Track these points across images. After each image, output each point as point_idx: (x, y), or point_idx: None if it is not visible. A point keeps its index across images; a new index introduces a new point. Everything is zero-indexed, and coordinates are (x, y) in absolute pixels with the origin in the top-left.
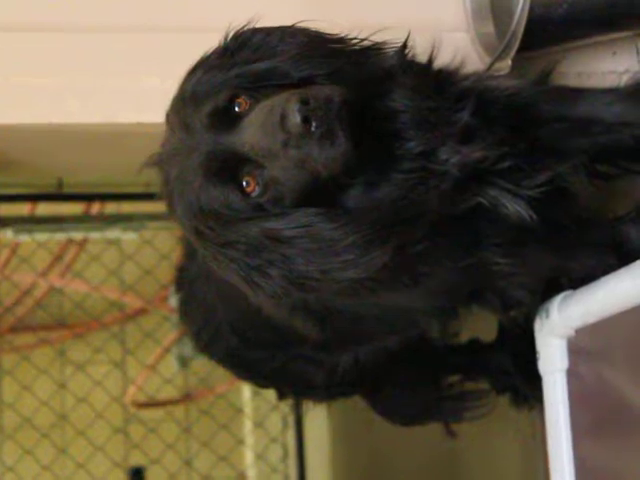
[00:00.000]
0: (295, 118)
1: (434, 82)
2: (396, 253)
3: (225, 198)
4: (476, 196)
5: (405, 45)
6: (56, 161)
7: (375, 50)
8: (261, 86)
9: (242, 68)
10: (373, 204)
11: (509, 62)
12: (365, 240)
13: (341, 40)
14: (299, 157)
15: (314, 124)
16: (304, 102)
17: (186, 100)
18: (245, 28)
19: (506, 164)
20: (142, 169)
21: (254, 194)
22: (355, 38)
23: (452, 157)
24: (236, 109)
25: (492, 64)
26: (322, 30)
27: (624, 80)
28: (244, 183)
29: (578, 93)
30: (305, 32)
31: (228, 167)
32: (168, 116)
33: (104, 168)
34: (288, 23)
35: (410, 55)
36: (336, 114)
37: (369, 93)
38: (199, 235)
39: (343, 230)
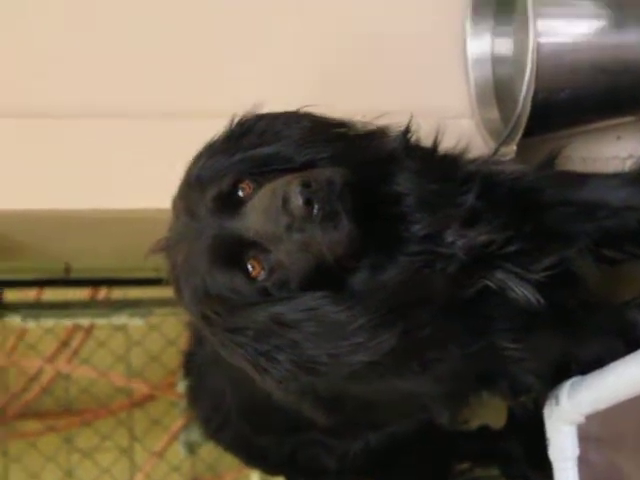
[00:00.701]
0: (297, 201)
1: (438, 166)
2: (404, 337)
3: (231, 283)
4: (483, 279)
5: (408, 128)
6: (63, 246)
7: (378, 133)
8: (265, 171)
9: (245, 153)
10: (379, 287)
11: (514, 147)
12: (372, 323)
13: (344, 124)
14: (303, 240)
15: (316, 206)
16: (306, 185)
17: (191, 185)
18: (250, 114)
19: (512, 248)
20: (149, 255)
21: (260, 278)
22: (358, 122)
23: (458, 240)
24: (240, 194)
25: (497, 149)
26: (326, 115)
27: (628, 165)
28: (249, 267)
29: (583, 178)
30: (309, 117)
31: (233, 252)
32: (174, 202)
33: (111, 253)
34: (293, 108)
35: (413, 139)
36: (338, 196)
37: (372, 176)
38: (206, 320)
39: (350, 313)
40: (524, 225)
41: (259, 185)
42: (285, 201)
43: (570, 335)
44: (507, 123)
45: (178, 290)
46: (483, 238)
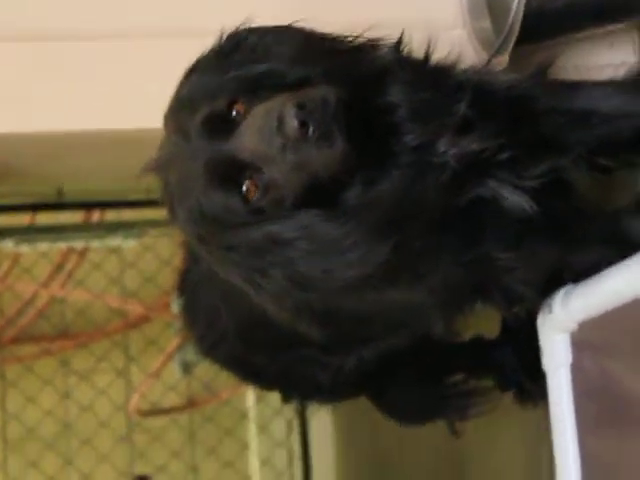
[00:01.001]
0: (292, 122)
1: (431, 75)
2: (397, 250)
3: (226, 203)
4: (476, 188)
5: (400, 41)
6: (56, 169)
7: (371, 47)
8: (257, 89)
9: (238, 71)
10: (373, 201)
11: (507, 57)
12: (365, 238)
13: (336, 38)
14: (297, 160)
15: (311, 127)
16: (300, 106)
17: (182, 104)
18: (239, 29)
19: (505, 155)
20: (140, 175)
21: (254, 198)
22: (350, 36)
23: (450, 149)
24: (233, 114)
25: (490, 59)
26: (318, 30)
27: (622, 72)
28: (244, 188)
29: (576, 86)
30: (300, 32)
31: (228, 173)
32: (165, 120)
33: (105, 175)
34: (282, 22)
35: (406, 51)
36: (332, 115)
37: (365, 90)
38: (201, 240)
39: (343, 229)
40: (517, 133)
41: (252, 105)
42: (280, 122)
43: (563, 243)
44: (499, 33)
45: (171, 210)
46: (475, 146)
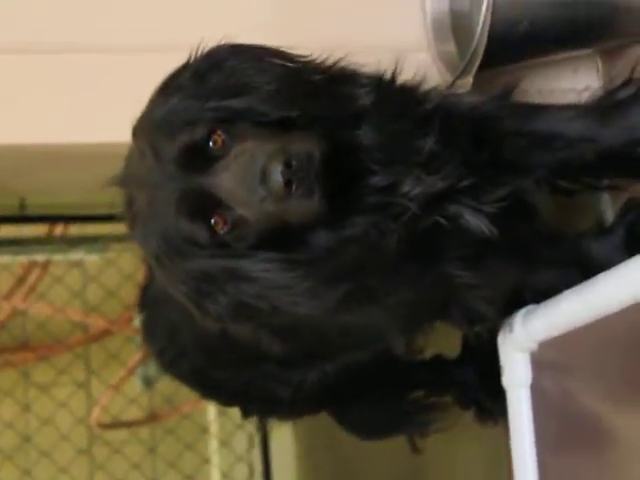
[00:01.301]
0: (278, 180)
1: (399, 102)
2: (351, 293)
3: (193, 234)
4: (436, 215)
5: (381, 81)
6: (18, 181)
7: (348, 78)
8: (237, 121)
9: (218, 102)
10: (334, 246)
11: (470, 80)
12: (318, 286)
13: (314, 67)
14: (275, 211)
15: (294, 186)
16: (287, 164)
17: (158, 126)
18: (217, 48)
19: (466, 183)
20: (104, 187)
21: (222, 232)
22: (327, 63)
23: (414, 189)
24: (211, 145)
25: (454, 82)
26: (296, 54)
27: (585, 97)
28: (212, 221)
29: (539, 109)
30: (280, 58)
31: (200, 207)
32: (136, 135)
33: (68, 188)
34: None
35: (384, 90)
36: (315, 172)
37: (340, 131)
38: (158, 261)
39: (299, 277)
40: (479, 156)
41: (231, 138)
42: (264, 175)
43: (524, 264)
44: (463, 56)
45: (132, 227)
46: (440, 184)
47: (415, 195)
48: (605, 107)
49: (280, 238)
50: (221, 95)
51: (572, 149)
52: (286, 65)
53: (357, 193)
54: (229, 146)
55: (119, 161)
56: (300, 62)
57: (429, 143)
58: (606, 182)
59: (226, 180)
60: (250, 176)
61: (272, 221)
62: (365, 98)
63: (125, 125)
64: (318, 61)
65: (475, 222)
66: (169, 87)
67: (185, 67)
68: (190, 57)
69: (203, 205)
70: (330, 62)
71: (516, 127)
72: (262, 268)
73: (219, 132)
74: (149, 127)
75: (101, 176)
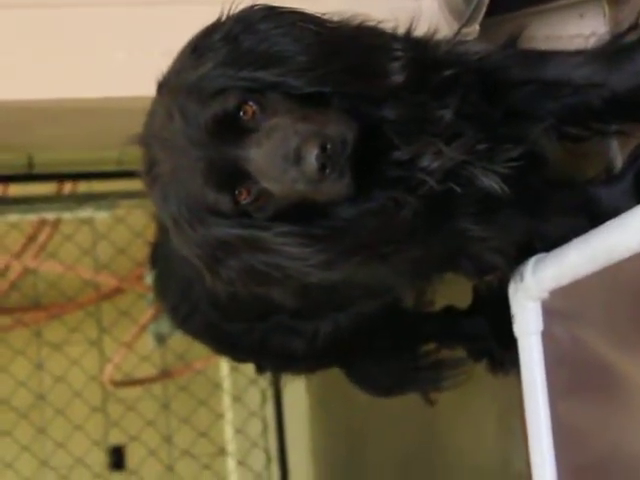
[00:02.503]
0: (313, 164)
1: (419, 70)
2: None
3: (215, 202)
4: (450, 180)
5: (414, 59)
6: (26, 138)
7: (383, 52)
8: (270, 92)
9: (251, 72)
10: (353, 219)
11: (477, 27)
12: (334, 260)
13: (342, 31)
14: (305, 192)
15: (328, 170)
16: (322, 148)
17: (189, 90)
18: (248, 8)
19: (482, 147)
20: (123, 145)
21: (244, 202)
22: (360, 28)
23: (433, 163)
24: (242, 116)
25: (460, 29)
26: (329, 20)
27: (591, 43)
28: (237, 192)
29: (547, 56)
30: (314, 25)
31: (228, 179)
32: (162, 92)
33: (75, 144)
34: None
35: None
36: (348, 156)
37: (372, 107)
38: (176, 226)
39: (315, 250)
40: (492, 112)
41: (262, 109)
42: (298, 157)
43: (534, 213)
44: (469, 3)
45: (153, 188)
46: (458, 156)
47: (434, 169)
48: (612, 52)
49: (301, 211)
50: (254, 64)
51: (580, 95)
52: (319, 32)
53: (380, 168)
54: (260, 118)
55: (124, 115)
56: (332, 27)
57: (448, 113)
58: (614, 128)
59: (258, 156)
60: (283, 156)
61: (299, 198)
62: (398, 75)
63: (129, 79)
64: (347, 24)
65: (488, 183)
66: (200, 48)
67: (216, 27)
68: (221, 16)
69: (231, 177)
70: (357, 23)
71: (524, 75)
72: (281, 241)
73: (250, 103)
74: (179, 89)
75: (108, 130)
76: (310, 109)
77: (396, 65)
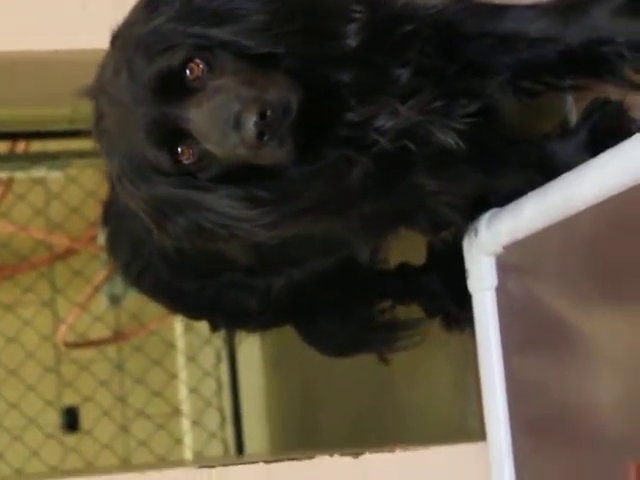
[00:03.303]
0: (251, 131)
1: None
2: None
3: (156, 160)
4: (404, 139)
5: (372, 20)
6: None
7: (341, 17)
8: (218, 51)
9: (202, 29)
10: (303, 180)
11: None
12: (282, 221)
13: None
14: (245, 156)
15: (266, 137)
16: (262, 115)
17: (138, 45)
18: None
19: (438, 104)
20: (73, 98)
21: (186, 162)
22: None
23: (387, 122)
24: (188, 74)
25: None
26: None
27: None
28: (179, 150)
29: (502, 9)
30: None
31: (168, 137)
32: (113, 45)
33: (27, 100)
34: None
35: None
36: (290, 122)
37: (325, 69)
38: (120, 182)
39: (261, 213)
40: (448, 67)
41: (210, 68)
42: (237, 124)
43: (489, 168)
44: None
45: (100, 143)
46: (415, 118)
47: (387, 129)
48: (568, 6)
49: (247, 172)
50: (206, 20)
51: (535, 49)
52: None
53: (331, 129)
54: (207, 78)
55: (75, 69)
56: None
57: (406, 72)
58: (569, 82)
59: (198, 117)
60: (223, 119)
61: (241, 162)
62: (353, 38)
63: (82, 31)
64: None
65: (444, 138)
66: (154, 2)
67: None
68: None
69: (171, 135)
70: None
71: (480, 28)
72: (225, 203)
73: (197, 60)
74: (128, 42)
75: (59, 85)
76: (258, 71)
77: (352, 27)
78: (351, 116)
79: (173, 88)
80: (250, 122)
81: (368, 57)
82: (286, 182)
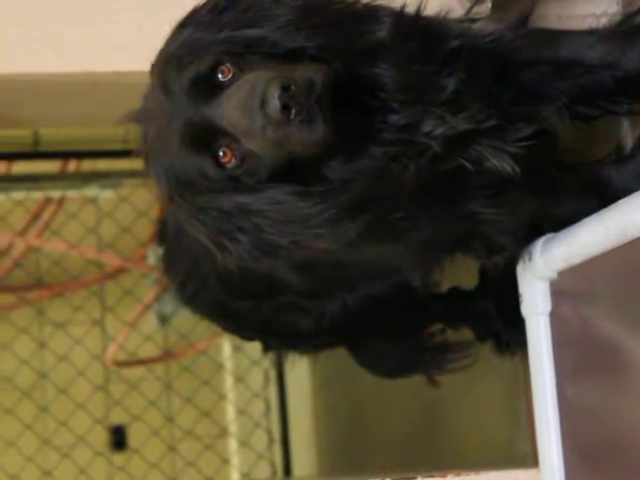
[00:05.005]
0: (274, 104)
1: (422, 40)
2: (373, 220)
3: (200, 167)
4: (459, 158)
5: (400, 15)
6: (32, 112)
7: (370, 16)
8: (247, 54)
9: (229, 33)
10: (350, 176)
11: (489, 5)
12: (338, 215)
13: (335, 3)
14: (277, 139)
15: (293, 111)
16: (285, 88)
17: (169, 59)
18: None
19: (491, 123)
20: (121, 123)
21: (230, 165)
22: (348, 1)
23: (436, 129)
24: (219, 76)
25: (472, 8)
26: None
27: (603, 22)
28: (220, 153)
29: (558, 35)
30: None
31: (205, 137)
32: (152, 72)
33: (82, 119)
34: None
35: (403, 24)
36: (317, 99)
37: (358, 64)
38: (171, 199)
39: (316, 208)
40: (503, 92)
41: (240, 69)
42: (263, 103)
43: (544, 194)
44: None
45: (147, 164)
46: (464, 126)
47: (437, 135)
48: (624, 32)
49: (292, 172)
50: (234, 26)
51: (592, 75)
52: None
53: (374, 128)
54: (237, 77)
55: (132, 90)
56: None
57: (453, 82)
58: (626, 107)
59: (228, 109)
60: (250, 103)
61: (279, 153)
62: (381, 32)
63: (139, 53)
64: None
65: (499, 163)
66: (185, 23)
67: (205, 4)
68: None
69: (208, 135)
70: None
71: (536, 56)
72: (278, 199)
73: (227, 64)
74: (161, 62)
75: (115, 106)
76: (287, 63)
77: (380, 26)
78: (395, 118)
79: (205, 89)
80: (274, 96)
81: (407, 60)
82: (332, 174)
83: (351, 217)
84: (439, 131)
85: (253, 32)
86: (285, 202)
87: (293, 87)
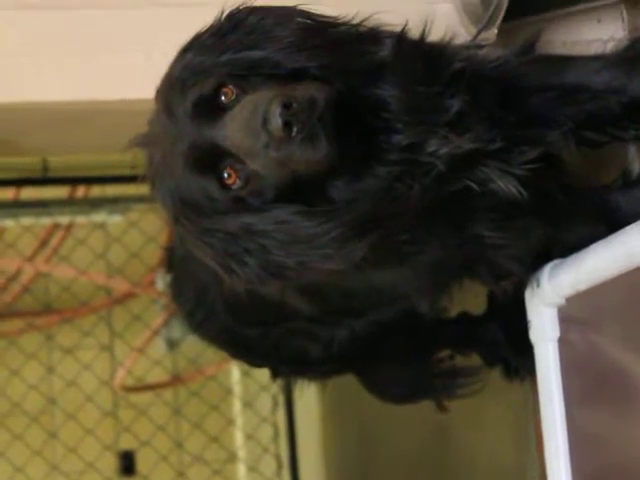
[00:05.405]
0: (276, 122)
1: (426, 62)
2: (378, 242)
3: (205, 189)
4: (465, 178)
5: (402, 35)
6: (40, 140)
7: (372, 38)
8: (250, 75)
9: (232, 55)
10: (355, 196)
11: (495, 31)
12: (344, 235)
13: (339, 26)
14: (280, 158)
15: (295, 129)
16: (286, 106)
17: (173, 83)
18: (241, 6)
19: (496, 145)
20: (127, 148)
21: (235, 187)
22: (353, 24)
23: (441, 149)
24: (222, 98)
25: (478, 34)
26: (318, 13)
27: (609, 47)
28: (225, 175)
29: (565, 61)
30: (302, 15)
31: (209, 159)
32: (157, 97)
33: (89, 147)
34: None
35: (405, 45)
36: (318, 117)
37: (360, 85)
38: (177, 222)
39: (322, 226)
40: (508, 115)
41: (243, 91)
42: (265, 121)
43: (552, 220)
44: (487, 7)
45: (153, 188)
46: (468, 146)
47: (442, 154)
48: (630, 57)
49: (297, 192)
50: (236, 48)
51: (598, 101)
52: (308, 22)
53: (378, 149)
54: (240, 99)
55: (141, 118)
56: (323, 20)
57: (457, 104)
58: (632, 133)
59: (231, 130)
60: (253, 122)
61: (283, 172)
62: (383, 52)
63: (147, 81)
64: (342, 20)
65: (505, 185)
66: (189, 48)
67: (208, 28)
68: (215, 17)
69: (212, 157)
70: (355, 21)
71: (542, 81)
72: (283, 219)
73: (230, 86)
74: (165, 87)
75: (123, 133)
76: (288, 83)
77: (382, 47)
78: (399, 138)
79: (208, 111)
80: (276, 114)
81: (410, 81)
82: (337, 194)
83: (357, 237)
84: (444, 151)
85: (255, 54)
86: (290, 222)
87: (295, 105)
